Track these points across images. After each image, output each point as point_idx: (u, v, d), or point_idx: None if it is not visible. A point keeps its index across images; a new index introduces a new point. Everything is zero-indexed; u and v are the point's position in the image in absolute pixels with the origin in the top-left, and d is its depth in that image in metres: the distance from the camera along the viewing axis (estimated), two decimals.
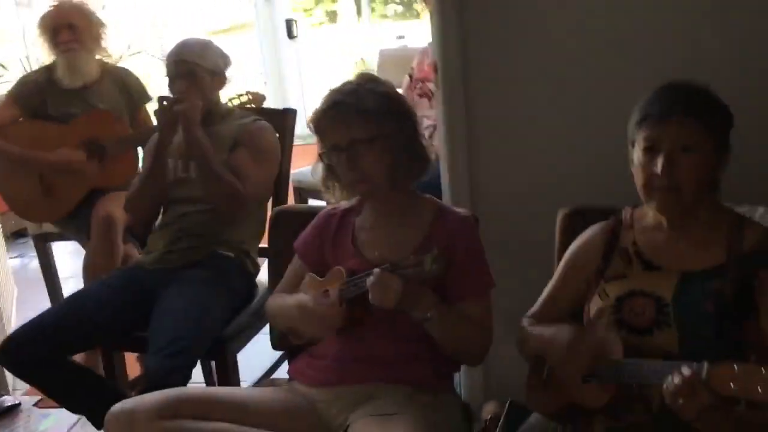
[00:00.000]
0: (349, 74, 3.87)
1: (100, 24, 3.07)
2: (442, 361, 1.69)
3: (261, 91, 2.75)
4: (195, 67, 2.38)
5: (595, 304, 1.55)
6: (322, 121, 1.65)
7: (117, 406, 1.55)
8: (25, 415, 2.78)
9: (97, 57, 3.07)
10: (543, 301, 1.68)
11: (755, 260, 1.42)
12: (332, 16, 8.82)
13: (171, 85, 2.41)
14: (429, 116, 3.05)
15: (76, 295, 2.36)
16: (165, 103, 2.36)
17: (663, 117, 1.43)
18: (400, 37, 6.77)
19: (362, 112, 1.60)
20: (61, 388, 2.23)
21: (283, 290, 1.85)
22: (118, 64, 3.42)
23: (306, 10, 8.34)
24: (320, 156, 1.69)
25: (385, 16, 8.63)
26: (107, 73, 3.09)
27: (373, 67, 5.61)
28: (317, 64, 6.93)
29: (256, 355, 2.50)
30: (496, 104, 2.15)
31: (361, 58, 7.48)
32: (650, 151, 1.44)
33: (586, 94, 2.02)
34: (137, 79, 3.18)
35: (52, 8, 3.00)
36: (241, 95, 2.69)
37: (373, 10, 8.21)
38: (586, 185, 2.04)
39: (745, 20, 1.91)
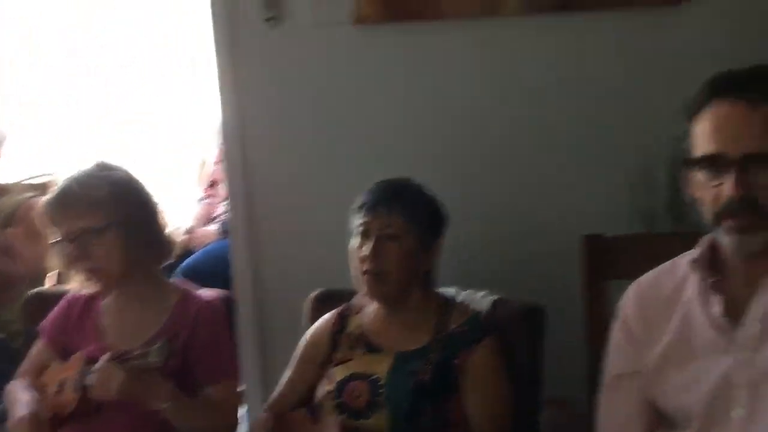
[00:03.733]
0: None
1: None
2: None
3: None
4: None
5: (321, 390, 1.60)
6: (51, 211, 1.63)
7: None
8: None
9: None
10: (280, 388, 1.71)
11: (456, 341, 1.53)
12: None
13: None
14: None
15: None
16: None
17: (373, 207, 1.54)
18: None
19: (92, 202, 1.60)
20: None
21: (25, 373, 1.78)
22: None
23: None
24: (54, 245, 1.66)
25: None
26: None
27: None
28: None
29: None
30: (275, 192, 2.23)
31: None
32: (362, 236, 1.55)
33: (348, 186, 2.12)
34: None
35: None
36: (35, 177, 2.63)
37: None
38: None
39: (458, 129, 2.12)
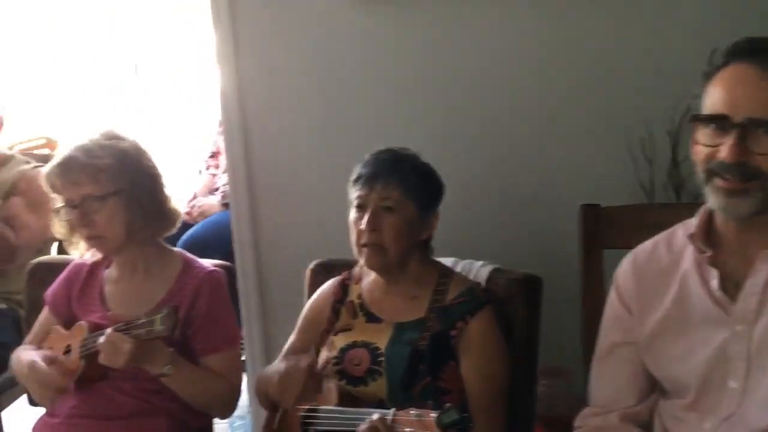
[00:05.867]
0: None
1: None
2: (189, 415, 1.70)
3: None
4: None
5: (323, 357, 1.62)
6: (54, 178, 1.64)
7: None
8: None
9: None
10: (283, 354, 1.73)
11: (453, 313, 1.54)
12: None
13: None
14: None
15: None
16: None
17: (370, 179, 1.54)
18: None
19: (94, 169, 1.61)
20: None
21: (30, 342, 1.81)
22: None
23: None
24: (56, 212, 1.68)
25: None
26: None
27: None
28: None
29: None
30: (275, 164, 2.24)
31: None
32: (360, 209, 1.55)
33: (348, 156, 2.12)
34: None
35: None
36: (33, 140, 2.64)
37: None
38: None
39: (458, 99, 2.12)
